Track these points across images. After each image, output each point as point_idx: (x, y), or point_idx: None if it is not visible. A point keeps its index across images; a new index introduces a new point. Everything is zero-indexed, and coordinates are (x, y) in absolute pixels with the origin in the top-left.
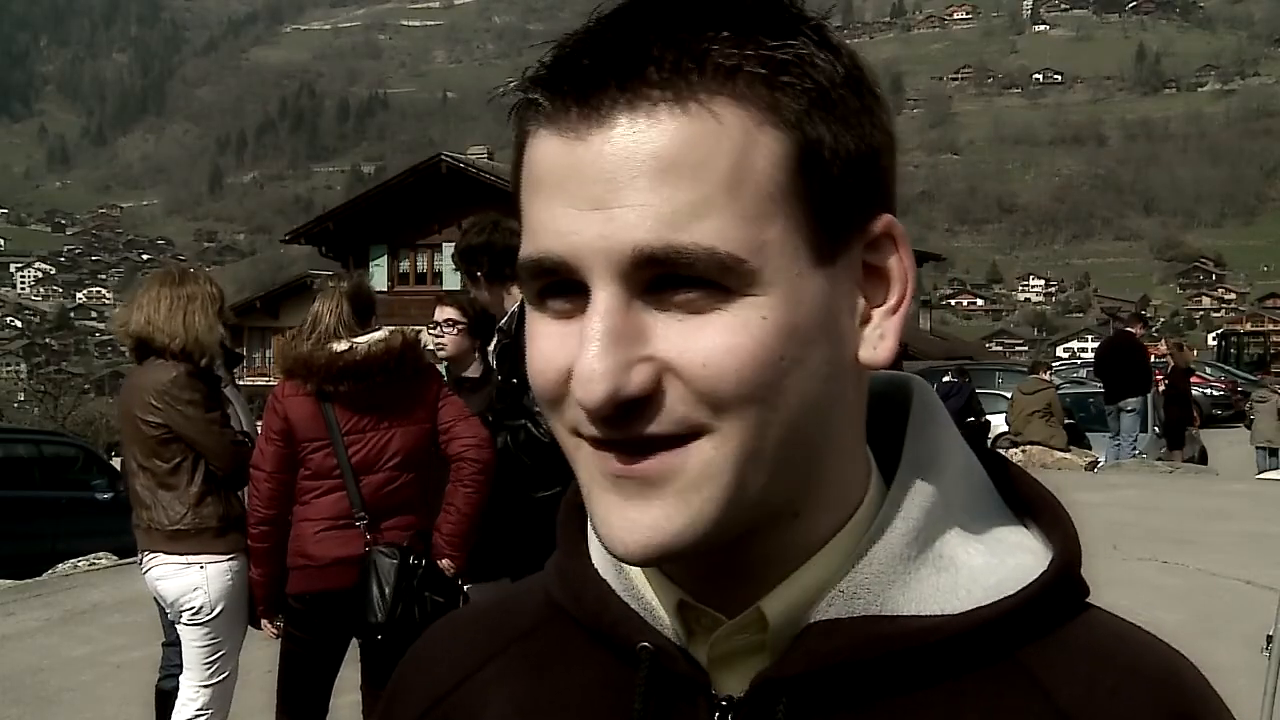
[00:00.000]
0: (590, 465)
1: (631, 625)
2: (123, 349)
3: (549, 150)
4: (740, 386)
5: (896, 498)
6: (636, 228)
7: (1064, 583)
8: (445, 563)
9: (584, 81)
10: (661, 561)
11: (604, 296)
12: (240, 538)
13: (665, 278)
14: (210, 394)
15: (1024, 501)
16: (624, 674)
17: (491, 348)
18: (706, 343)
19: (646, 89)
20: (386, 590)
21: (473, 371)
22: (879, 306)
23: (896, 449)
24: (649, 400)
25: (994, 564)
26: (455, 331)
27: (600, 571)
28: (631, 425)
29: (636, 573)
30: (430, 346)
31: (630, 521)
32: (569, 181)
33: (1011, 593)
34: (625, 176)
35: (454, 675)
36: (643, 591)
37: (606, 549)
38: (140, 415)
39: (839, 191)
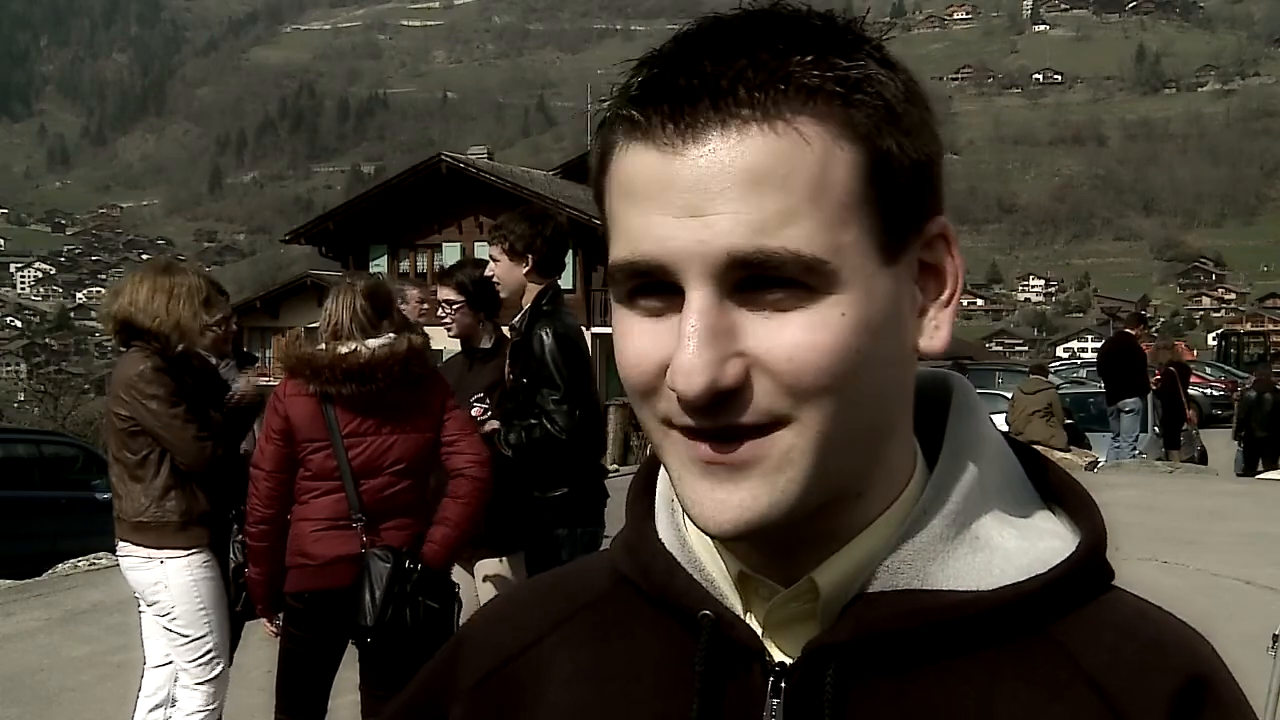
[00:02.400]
0: (681, 452)
1: (695, 594)
2: (107, 341)
3: (645, 163)
4: (820, 378)
5: (939, 482)
6: (730, 234)
7: (1091, 564)
8: (429, 552)
9: (679, 99)
10: (749, 537)
11: (699, 296)
12: (204, 533)
13: (753, 279)
14: (179, 389)
15: (1053, 490)
16: (686, 641)
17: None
18: (791, 339)
19: (738, 107)
20: (377, 594)
21: (485, 343)
22: (934, 300)
23: (937, 438)
24: (738, 392)
25: (1025, 546)
26: (455, 310)
27: (666, 545)
28: (722, 415)
29: (699, 546)
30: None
31: (720, 502)
32: (666, 191)
33: (1041, 572)
34: (718, 187)
35: (523, 638)
36: (705, 564)
37: (699, 527)
38: (112, 408)
39: (904, 197)
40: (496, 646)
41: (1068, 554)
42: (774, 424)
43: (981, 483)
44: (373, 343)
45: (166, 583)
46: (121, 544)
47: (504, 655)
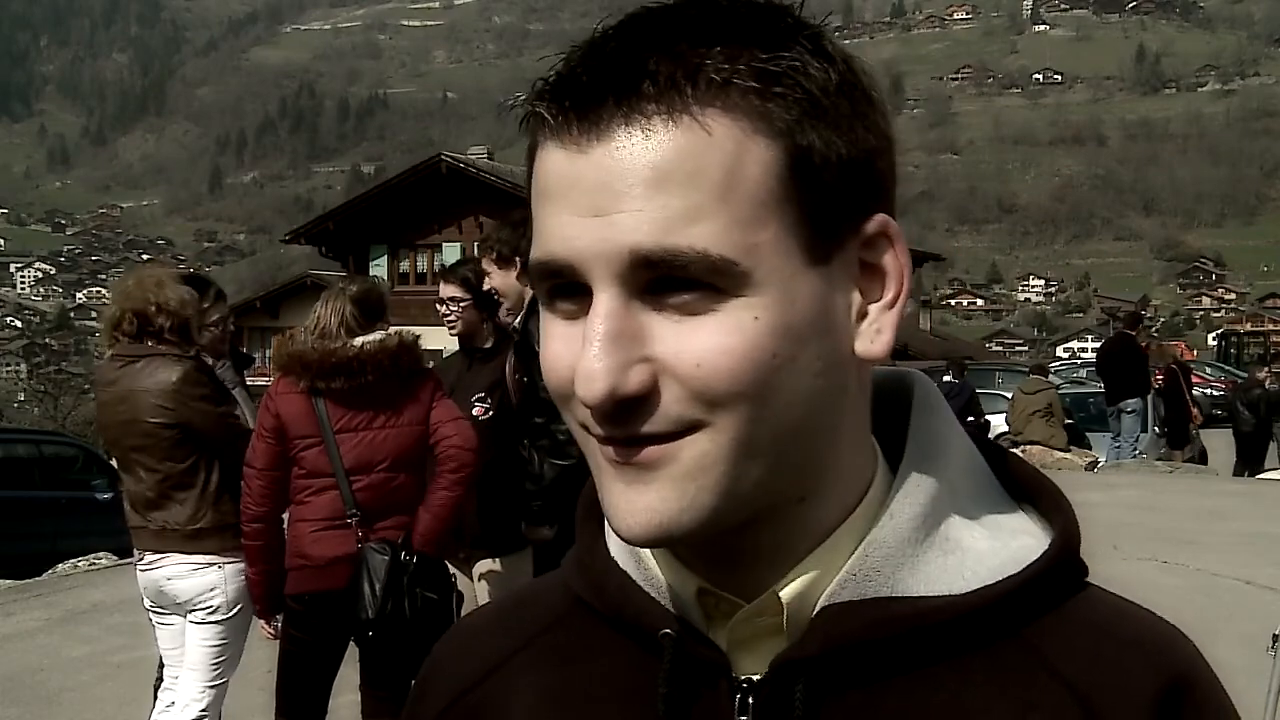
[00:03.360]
0: (597, 457)
1: (654, 613)
2: (99, 350)
3: (554, 161)
4: (733, 385)
5: (903, 485)
6: (633, 232)
7: (1065, 563)
8: (416, 539)
9: (584, 97)
10: (662, 543)
11: (604, 299)
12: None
13: (662, 280)
14: (218, 386)
15: (1023, 488)
16: (646, 661)
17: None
18: (700, 344)
19: (642, 103)
20: (377, 587)
21: (486, 343)
22: (875, 302)
23: (900, 440)
24: (646, 399)
25: (997, 547)
26: (461, 309)
27: (620, 563)
28: (630, 423)
29: (655, 563)
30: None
31: (630, 504)
32: (572, 190)
33: (1015, 573)
34: (623, 185)
35: (478, 670)
36: (662, 580)
37: (613, 530)
38: (150, 419)
39: (832, 195)
40: (457, 675)
41: (1040, 552)
42: (686, 431)
43: (949, 482)
44: (361, 339)
45: (223, 587)
46: (162, 556)
47: (464, 685)
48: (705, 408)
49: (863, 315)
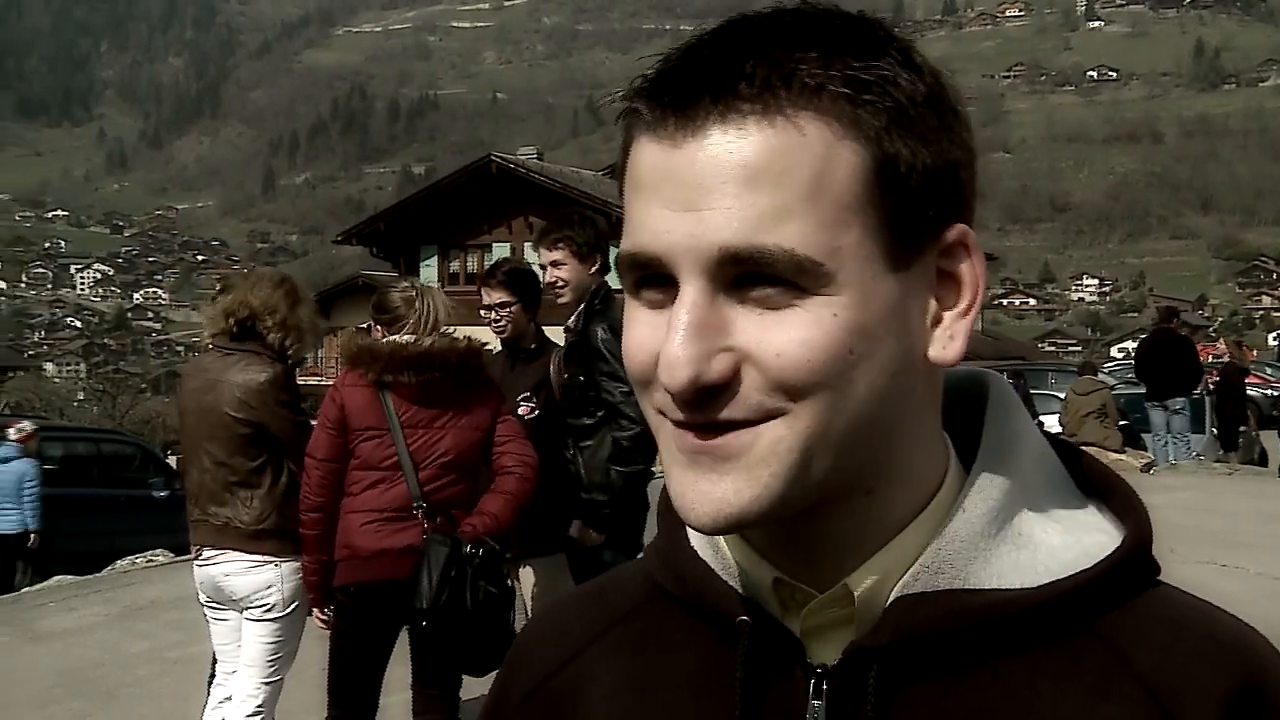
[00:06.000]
0: (670, 442)
1: (732, 602)
2: (185, 349)
3: (648, 155)
4: (811, 375)
5: (976, 480)
6: (723, 229)
7: (1139, 559)
8: (469, 529)
9: (681, 93)
10: (731, 530)
11: (691, 290)
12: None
13: (747, 275)
14: (299, 397)
15: (1095, 486)
16: (723, 649)
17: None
18: (781, 336)
19: (738, 102)
20: (434, 576)
21: (531, 344)
22: (950, 309)
23: (974, 438)
24: (727, 387)
25: (1070, 541)
26: (510, 313)
27: (700, 553)
28: (710, 409)
29: (734, 553)
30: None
31: (702, 494)
32: (664, 184)
33: (1088, 567)
34: (714, 182)
35: (560, 655)
36: (739, 570)
37: (682, 518)
38: (230, 411)
39: (915, 203)
40: (540, 661)
41: (1114, 548)
42: (763, 419)
43: (1022, 479)
44: (431, 337)
45: (279, 585)
46: (219, 552)
47: (546, 671)
48: (784, 397)
49: (937, 321)
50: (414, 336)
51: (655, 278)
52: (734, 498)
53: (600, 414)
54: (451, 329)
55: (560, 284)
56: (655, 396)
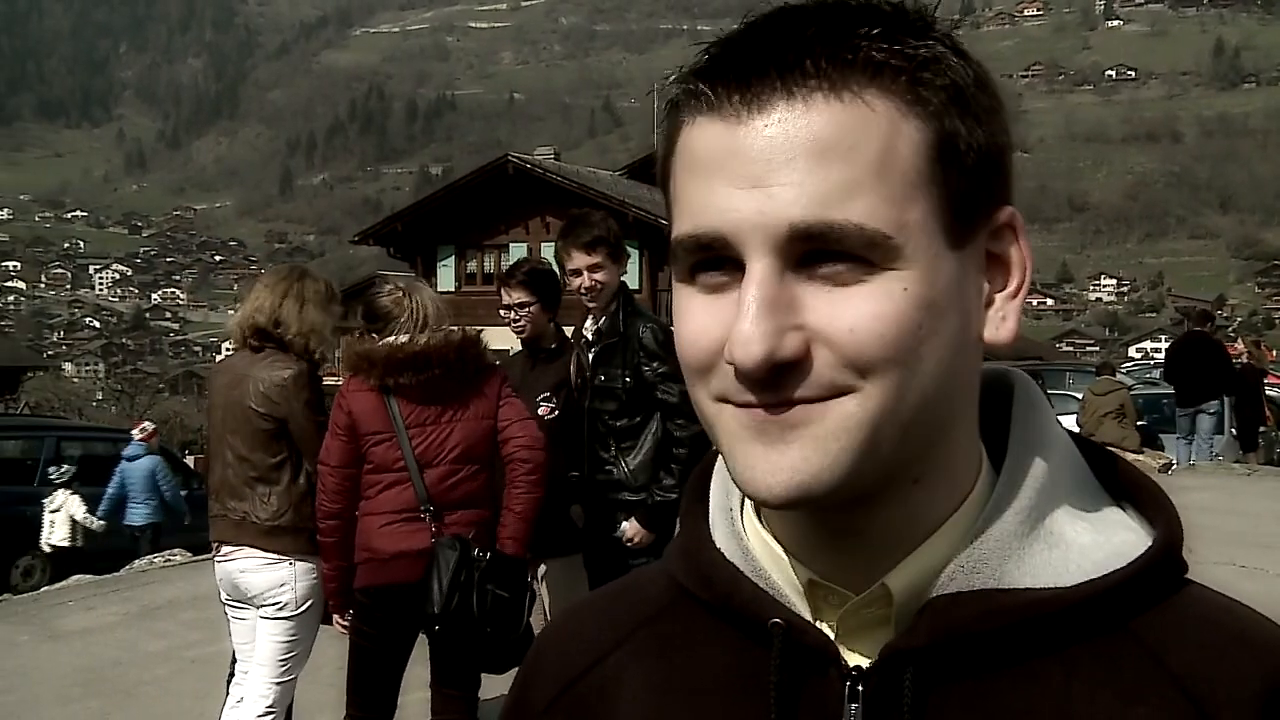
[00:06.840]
0: (732, 425)
1: (763, 603)
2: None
3: (710, 134)
4: (884, 350)
5: (1009, 478)
6: (793, 205)
7: (1169, 558)
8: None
9: (744, 69)
10: (801, 504)
11: (760, 268)
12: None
13: (815, 252)
14: (319, 399)
15: (1123, 485)
16: (752, 651)
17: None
18: (853, 311)
19: (804, 78)
20: (444, 581)
21: (551, 343)
22: (1000, 291)
23: (1000, 437)
24: (798, 366)
25: (1100, 541)
26: (530, 313)
27: (727, 554)
28: (782, 389)
29: (762, 554)
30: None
31: (772, 464)
32: (730, 161)
33: (1120, 566)
34: (783, 157)
35: (585, 659)
36: (769, 572)
37: (749, 495)
38: (254, 406)
39: (971, 181)
40: (564, 665)
41: (1145, 547)
42: (835, 395)
43: (1052, 478)
44: (425, 335)
45: (292, 584)
46: (236, 548)
47: (570, 676)
48: (856, 373)
49: (989, 303)
50: (408, 336)
51: (715, 260)
52: (803, 464)
53: (640, 416)
54: (446, 326)
55: (599, 287)
56: (713, 384)
